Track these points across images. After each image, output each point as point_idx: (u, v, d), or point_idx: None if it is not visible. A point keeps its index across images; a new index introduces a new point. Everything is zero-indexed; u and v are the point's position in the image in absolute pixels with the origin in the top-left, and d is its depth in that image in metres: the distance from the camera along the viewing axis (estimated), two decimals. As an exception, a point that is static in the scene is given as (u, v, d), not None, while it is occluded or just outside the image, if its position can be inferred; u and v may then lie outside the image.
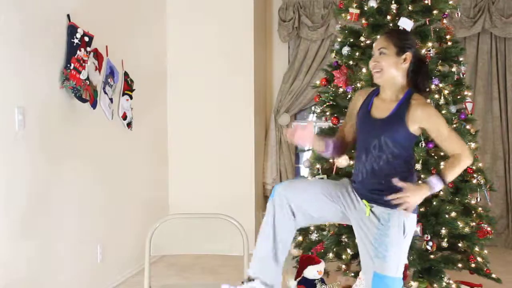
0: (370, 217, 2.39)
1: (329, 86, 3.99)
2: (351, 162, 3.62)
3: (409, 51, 2.43)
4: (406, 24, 3.65)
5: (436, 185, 2.32)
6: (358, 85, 3.75)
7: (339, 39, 4.03)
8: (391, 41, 2.42)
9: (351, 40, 3.94)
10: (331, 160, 3.80)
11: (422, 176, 3.63)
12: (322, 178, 3.85)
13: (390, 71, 2.41)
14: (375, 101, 2.49)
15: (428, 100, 3.00)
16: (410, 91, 2.43)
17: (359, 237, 2.47)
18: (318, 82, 4.11)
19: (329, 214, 2.50)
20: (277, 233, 2.43)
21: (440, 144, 2.44)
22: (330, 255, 3.79)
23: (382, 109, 2.44)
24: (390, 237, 2.34)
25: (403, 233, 2.36)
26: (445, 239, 3.60)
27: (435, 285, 3.55)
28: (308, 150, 4.23)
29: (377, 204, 2.39)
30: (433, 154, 3.71)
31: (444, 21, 3.90)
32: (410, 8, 3.71)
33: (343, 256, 3.72)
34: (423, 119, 2.37)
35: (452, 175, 2.37)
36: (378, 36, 2.49)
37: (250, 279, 2.44)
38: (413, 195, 2.28)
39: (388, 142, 2.36)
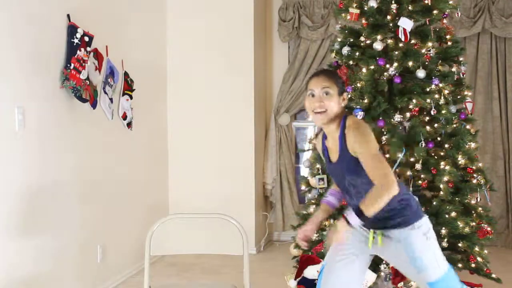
0: (389, 245, 2.42)
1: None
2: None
3: (346, 91, 2.47)
4: (406, 24, 3.65)
5: (352, 219, 2.28)
6: (358, 85, 3.75)
7: (339, 39, 4.04)
8: (333, 81, 2.41)
9: (351, 40, 3.94)
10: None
11: (422, 176, 3.64)
12: (322, 179, 3.86)
13: (334, 111, 2.39)
14: (327, 145, 2.51)
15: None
16: (344, 117, 2.42)
17: (395, 264, 2.55)
18: (318, 82, 4.10)
19: (361, 267, 2.55)
20: None
21: (367, 170, 2.30)
22: (330, 255, 3.78)
23: (334, 149, 2.45)
24: (418, 250, 2.37)
25: (426, 238, 2.40)
26: (445, 239, 3.60)
27: (435, 285, 3.55)
28: (308, 150, 4.23)
29: (390, 229, 2.41)
30: (433, 154, 3.72)
31: (444, 21, 3.90)
32: (410, 8, 3.71)
33: (343, 256, 3.71)
34: (350, 140, 2.33)
35: (369, 209, 2.24)
36: (312, 77, 2.46)
37: None
38: (334, 237, 2.31)
39: (353, 177, 2.38)
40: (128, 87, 4.64)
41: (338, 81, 2.44)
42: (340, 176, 2.45)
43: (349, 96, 3.82)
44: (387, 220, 2.39)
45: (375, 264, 3.50)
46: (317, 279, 3.59)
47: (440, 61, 3.80)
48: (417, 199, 2.53)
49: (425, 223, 2.43)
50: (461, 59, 3.91)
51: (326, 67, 4.14)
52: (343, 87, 2.44)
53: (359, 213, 2.29)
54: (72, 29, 3.70)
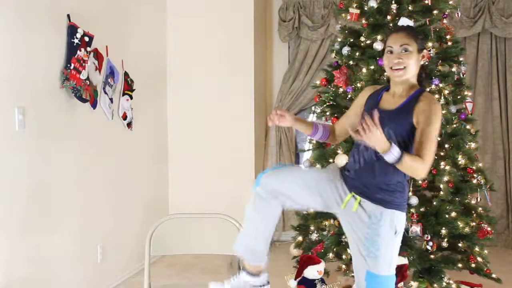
0: (360, 215, 2.37)
1: (329, 86, 3.99)
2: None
3: (425, 49, 2.42)
4: (406, 24, 3.65)
5: (393, 154, 2.19)
6: (358, 85, 3.75)
7: (339, 39, 4.03)
8: (413, 39, 2.39)
9: (351, 40, 3.94)
10: (331, 160, 3.80)
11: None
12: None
13: (413, 68, 2.38)
14: (384, 95, 2.48)
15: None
16: (420, 89, 2.42)
17: (349, 235, 2.46)
18: (318, 82, 4.11)
19: (314, 205, 2.48)
20: (263, 221, 2.41)
21: (416, 142, 2.29)
22: (330, 255, 3.79)
23: (391, 102, 2.42)
24: (381, 236, 2.33)
25: (394, 232, 2.35)
26: (445, 239, 3.60)
27: (435, 285, 3.55)
28: (308, 150, 4.23)
29: (369, 201, 2.36)
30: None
31: (444, 21, 3.90)
32: (410, 8, 3.71)
33: (343, 256, 3.72)
34: (425, 111, 2.31)
35: (406, 164, 2.20)
36: (391, 34, 2.43)
37: (233, 264, 2.45)
38: (375, 136, 2.16)
39: (391, 134, 2.33)
40: (128, 87, 4.64)
41: (418, 37, 2.40)
42: (380, 121, 2.33)
43: (349, 96, 3.82)
44: (376, 192, 2.34)
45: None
46: (317, 279, 3.61)
47: (440, 61, 3.80)
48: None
49: (403, 220, 2.39)
50: (461, 59, 3.90)
51: (326, 67, 4.14)
52: (422, 44, 2.41)
53: (364, 168, 2.33)
54: (72, 29, 3.70)
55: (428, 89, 2.52)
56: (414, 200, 3.54)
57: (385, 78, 3.71)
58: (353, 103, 2.64)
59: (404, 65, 2.36)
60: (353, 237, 2.42)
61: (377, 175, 2.35)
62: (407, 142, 2.35)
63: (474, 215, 3.75)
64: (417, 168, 2.23)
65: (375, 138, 2.15)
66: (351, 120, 2.58)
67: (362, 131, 2.14)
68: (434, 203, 3.61)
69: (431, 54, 3.75)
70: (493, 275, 3.71)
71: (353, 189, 2.40)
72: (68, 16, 3.71)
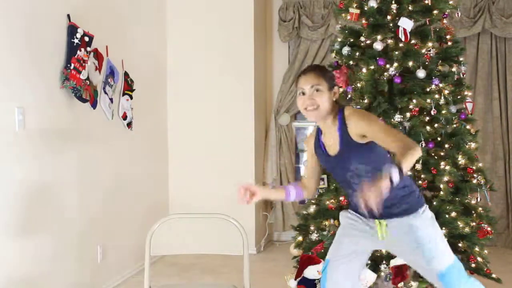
0: (397, 235, 2.42)
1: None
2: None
3: (336, 85, 2.47)
4: (406, 24, 3.65)
5: (396, 176, 2.16)
6: (358, 85, 3.75)
7: (339, 39, 4.03)
8: (322, 78, 2.42)
9: (351, 40, 3.94)
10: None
11: (422, 176, 3.64)
12: (322, 179, 3.85)
13: (327, 106, 2.41)
14: (324, 141, 2.52)
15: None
16: (341, 111, 2.44)
17: (403, 256, 2.56)
18: (318, 82, 4.10)
19: (365, 257, 2.59)
20: None
21: (384, 145, 2.29)
22: (330, 255, 3.78)
23: (332, 143, 2.46)
24: (425, 238, 2.38)
25: (432, 223, 2.42)
26: (445, 239, 3.59)
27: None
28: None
29: (394, 217, 2.41)
30: (433, 154, 3.71)
31: (444, 21, 3.89)
32: (410, 8, 3.71)
33: (343, 256, 3.71)
34: (356, 126, 2.35)
35: (407, 164, 2.15)
36: (300, 76, 2.48)
37: None
38: (373, 195, 2.11)
39: (359, 166, 2.38)
40: (128, 87, 4.64)
41: (327, 76, 2.45)
42: (342, 168, 2.44)
43: (349, 96, 3.82)
44: (393, 208, 2.38)
45: (375, 264, 3.50)
46: (317, 279, 3.61)
47: (440, 61, 3.80)
48: (416, 186, 2.54)
49: (428, 210, 2.46)
50: (461, 59, 3.90)
51: (326, 67, 4.13)
52: (332, 82, 2.46)
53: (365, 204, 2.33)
54: (72, 29, 3.70)
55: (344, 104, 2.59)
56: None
57: (385, 78, 3.71)
58: (307, 154, 2.73)
59: (317, 104, 2.40)
60: (411, 257, 2.49)
61: (381, 201, 2.37)
62: (376, 158, 2.37)
63: (474, 215, 3.75)
64: (413, 150, 2.16)
65: (375, 197, 2.09)
66: (315, 167, 2.68)
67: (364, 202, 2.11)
68: (434, 203, 3.61)
69: (431, 54, 3.75)
70: (493, 275, 3.71)
71: (375, 217, 2.44)
72: (68, 16, 3.71)
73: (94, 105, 4.00)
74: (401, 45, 3.72)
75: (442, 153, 3.68)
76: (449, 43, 3.86)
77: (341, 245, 2.55)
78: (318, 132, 2.56)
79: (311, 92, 2.40)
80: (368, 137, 2.33)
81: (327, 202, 3.75)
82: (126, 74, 4.61)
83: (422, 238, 2.38)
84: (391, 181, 2.07)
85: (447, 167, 3.62)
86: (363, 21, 3.85)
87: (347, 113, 2.40)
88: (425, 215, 2.43)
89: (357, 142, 2.35)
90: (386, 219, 2.41)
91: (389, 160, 2.41)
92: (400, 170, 2.10)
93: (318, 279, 3.62)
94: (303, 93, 2.43)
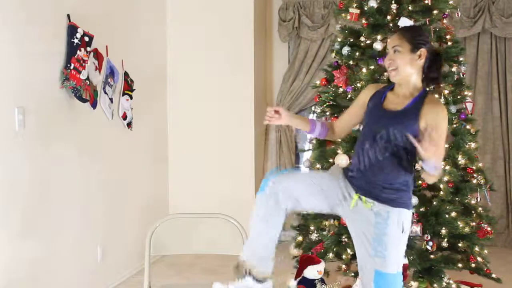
0: (366, 215, 2.38)
1: (329, 86, 3.99)
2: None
3: (423, 47, 2.41)
4: (406, 24, 3.65)
5: (432, 169, 2.26)
6: (358, 85, 3.75)
7: (339, 39, 4.03)
8: (405, 38, 2.40)
9: (351, 40, 3.94)
10: (331, 160, 3.80)
11: (422, 176, 3.63)
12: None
13: (406, 68, 2.39)
14: (388, 95, 2.48)
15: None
16: (425, 91, 2.43)
17: (356, 236, 2.47)
18: (318, 82, 4.11)
19: (320, 207, 2.50)
20: (269, 227, 2.44)
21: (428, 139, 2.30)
22: (330, 255, 3.79)
23: (396, 102, 2.43)
24: (388, 235, 2.34)
25: (401, 231, 2.37)
26: (445, 239, 3.60)
27: (435, 285, 3.55)
28: (308, 150, 4.23)
29: (375, 200, 2.37)
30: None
31: (444, 21, 3.89)
32: (410, 8, 3.71)
33: (343, 256, 3.72)
34: (432, 114, 2.33)
35: (430, 154, 2.21)
36: (391, 35, 2.48)
37: (240, 269, 2.47)
38: (432, 150, 2.19)
39: (397, 135, 2.34)
40: (128, 87, 4.64)
41: (413, 37, 2.40)
42: (383, 125, 2.38)
43: (349, 96, 3.82)
44: (382, 191, 2.36)
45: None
46: (317, 279, 3.60)
47: (440, 61, 3.80)
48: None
49: (409, 218, 2.41)
50: (461, 59, 3.90)
51: (326, 67, 4.14)
52: (418, 43, 2.39)
53: (370, 168, 2.36)
54: (72, 29, 3.70)
55: (431, 90, 2.51)
56: (414, 200, 3.53)
57: (385, 78, 3.71)
58: (355, 101, 2.65)
59: (395, 65, 2.39)
60: (360, 238, 2.43)
61: (382, 175, 2.37)
62: (410, 145, 2.35)
63: (474, 215, 3.75)
64: (437, 176, 2.31)
65: (433, 149, 2.16)
66: (352, 118, 2.62)
67: (426, 144, 2.15)
68: (434, 203, 3.61)
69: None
70: (493, 275, 3.71)
71: (359, 189, 2.41)
72: (68, 16, 3.71)
73: (94, 105, 4.00)
74: (401, 45, 3.72)
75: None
76: (449, 43, 3.86)
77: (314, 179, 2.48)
78: (387, 88, 2.52)
79: (392, 52, 2.41)
80: (427, 129, 2.29)
81: (327, 202, 3.74)
82: (126, 74, 4.61)
83: (385, 234, 2.33)
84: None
85: (447, 167, 3.62)
86: (363, 21, 3.86)
87: (430, 97, 2.39)
88: (401, 218, 2.37)
89: (418, 121, 2.33)
90: (370, 197, 2.38)
91: (410, 164, 2.42)
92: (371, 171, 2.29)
93: (318, 279, 3.62)
94: (388, 53, 2.44)
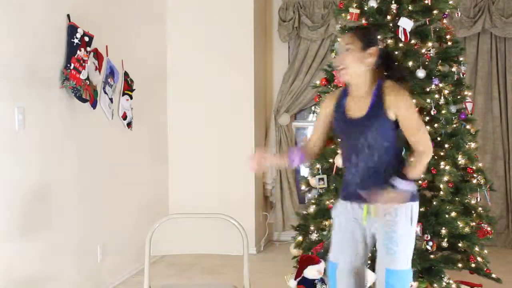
0: (375, 218, 2.41)
1: (329, 86, 3.99)
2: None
3: (374, 46, 2.41)
4: (406, 24, 3.65)
5: (406, 186, 2.33)
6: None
7: (339, 39, 4.03)
8: (356, 37, 2.41)
9: (351, 40, 3.94)
10: (331, 160, 3.80)
11: (422, 176, 3.63)
12: (322, 179, 3.85)
13: (356, 66, 2.38)
14: (347, 102, 2.47)
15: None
16: (380, 81, 2.41)
17: (369, 242, 2.56)
18: (318, 82, 4.11)
19: (362, 246, 2.57)
20: None
21: (408, 136, 2.38)
22: (330, 255, 3.78)
23: (358, 107, 2.42)
24: (398, 231, 2.37)
25: (410, 223, 2.40)
26: (445, 239, 3.60)
27: (435, 285, 3.55)
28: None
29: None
30: (433, 154, 3.71)
31: (444, 21, 3.89)
32: (410, 8, 3.71)
33: (343, 256, 3.71)
34: (396, 105, 2.35)
35: (414, 173, 2.36)
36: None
37: None
38: (390, 200, 2.32)
39: (377, 137, 2.35)
40: (128, 87, 4.64)
41: (364, 35, 2.41)
42: (359, 133, 2.40)
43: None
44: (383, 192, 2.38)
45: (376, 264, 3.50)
46: (317, 279, 3.60)
47: (440, 61, 3.80)
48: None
49: (416, 209, 2.44)
50: (461, 59, 3.90)
51: (326, 67, 4.13)
52: (368, 42, 2.40)
53: (365, 177, 2.39)
54: (72, 29, 3.70)
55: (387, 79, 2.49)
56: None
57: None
58: (318, 117, 2.67)
59: (344, 65, 2.39)
60: (372, 240, 2.51)
61: (381, 178, 2.39)
62: (394, 139, 2.39)
63: (474, 215, 3.75)
64: (425, 161, 2.35)
65: (391, 199, 2.30)
66: (323, 131, 2.63)
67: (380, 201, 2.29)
68: (434, 203, 3.61)
69: (431, 54, 3.75)
70: (493, 275, 3.71)
71: (363, 202, 2.43)
72: (68, 16, 3.71)
73: (94, 105, 4.00)
74: (401, 45, 3.73)
75: (442, 153, 3.68)
76: (449, 43, 3.86)
77: (344, 244, 2.53)
78: (343, 93, 2.51)
79: (343, 51, 2.41)
80: (400, 120, 2.33)
81: (327, 202, 3.75)
82: (126, 74, 4.61)
83: (397, 231, 2.37)
84: (398, 190, 2.27)
85: (447, 167, 3.62)
86: (363, 21, 3.85)
87: (387, 85, 2.38)
88: (409, 211, 2.40)
89: (387, 115, 2.34)
90: (374, 202, 2.39)
91: (401, 158, 2.42)
92: (405, 178, 2.28)
93: (318, 279, 3.62)
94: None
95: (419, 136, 2.35)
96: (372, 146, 2.37)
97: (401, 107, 2.33)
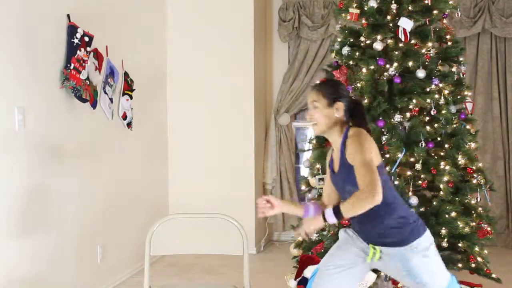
0: (389, 260, 2.43)
1: (329, 86, 3.98)
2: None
3: (340, 100, 2.45)
4: (406, 24, 3.65)
5: (329, 217, 2.33)
6: (358, 85, 3.75)
7: (339, 39, 4.03)
8: (321, 94, 2.46)
9: (351, 40, 3.94)
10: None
11: (422, 176, 3.64)
12: (322, 179, 3.85)
13: (325, 122, 2.45)
14: (333, 156, 2.56)
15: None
16: (347, 129, 2.45)
17: (396, 277, 2.60)
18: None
19: (359, 274, 2.56)
20: None
21: (357, 176, 2.32)
22: (330, 255, 3.78)
23: (336, 160, 2.49)
24: (416, 268, 2.38)
25: (423, 257, 2.39)
26: (445, 239, 3.60)
27: (435, 285, 3.54)
28: (308, 150, 4.23)
29: (387, 246, 2.42)
30: (433, 154, 3.72)
31: (444, 21, 3.90)
32: (410, 8, 3.71)
33: (343, 256, 3.71)
34: (349, 147, 2.37)
35: (347, 210, 2.30)
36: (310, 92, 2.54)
37: None
38: (307, 226, 2.42)
39: (350, 188, 2.38)
40: (128, 87, 4.64)
41: (327, 92, 2.47)
42: (341, 186, 2.49)
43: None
44: (385, 238, 2.41)
45: None
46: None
47: (440, 61, 3.80)
48: (416, 216, 2.50)
49: (424, 241, 2.41)
50: (461, 59, 3.90)
51: (326, 67, 4.14)
52: (334, 97, 2.46)
53: (362, 226, 2.45)
54: (72, 29, 3.70)
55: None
56: (414, 200, 3.54)
57: (385, 78, 3.71)
58: (327, 171, 2.71)
59: (314, 121, 2.47)
60: (402, 279, 2.52)
61: (376, 225, 2.42)
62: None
63: (474, 215, 3.75)
64: (361, 200, 2.26)
65: (310, 227, 2.42)
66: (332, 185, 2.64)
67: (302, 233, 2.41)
68: (434, 203, 3.61)
69: (431, 54, 3.75)
70: (493, 275, 3.71)
71: (368, 242, 2.48)
72: (68, 16, 3.71)
73: (94, 105, 4.00)
74: (401, 45, 3.73)
75: (442, 153, 3.68)
76: (449, 43, 3.86)
77: (336, 255, 2.55)
78: (331, 148, 2.60)
79: (311, 108, 2.48)
80: (352, 164, 2.34)
81: (327, 202, 3.74)
82: (126, 74, 4.61)
83: (413, 269, 2.39)
84: (325, 220, 2.34)
85: (447, 167, 3.62)
86: (363, 21, 3.85)
87: (350, 134, 2.41)
88: (418, 248, 2.39)
89: (349, 168, 2.36)
90: (380, 246, 2.44)
91: (388, 200, 2.40)
92: (338, 214, 2.30)
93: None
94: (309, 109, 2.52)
95: (361, 174, 2.28)
96: (352, 194, 2.38)
97: (349, 151, 2.36)
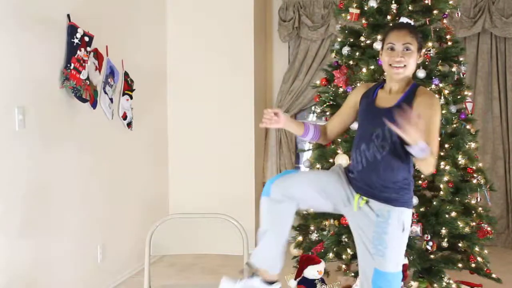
0: (368, 214, 2.38)
1: (329, 86, 3.99)
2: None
3: (423, 48, 2.46)
4: (406, 21, 3.65)
5: (424, 147, 2.16)
6: (358, 85, 3.75)
7: (339, 39, 4.03)
8: (415, 37, 2.41)
9: (351, 40, 3.94)
10: (331, 160, 3.80)
11: (422, 176, 3.63)
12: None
13: (413, 67, 2.41)
14: (379, 93, 2.48)
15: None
16: (415, 84, 2.44)
17: (357, 234, 2.48)
18: (318, 82, 4.11)
19: (323, 207, 2.50)
20: (277, 228, 2.41)
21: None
22: (330, 255, 3.78)
23: (387, 99, 2.42)
24: (389, 234, 2.34)
25: (402, 229, 2.37)
26: (445, 239, 3.60)
27: (435, 285, 3.55)
28: (308, 150, 4.23)
29: (376, 200, 2.38)
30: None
31: (444, 21, 3.89)
32: (410, 8, 3.71)
33: (343, 256, 3.72)
34: (424, 105, 2.31)
35: (429, 168, 2.24)
36: (392, 30, 2.44)
37: (250, 268, 2.47)
38: (414, 132, 2.10)
39: (393, 131, 2.33)
40: (128, 87, 4.64)
41: (419, 36, 2.42)
42: (376, 122, 2.36)
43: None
44: (382, 191, 2.36)
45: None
46: (317, 279, 3.61)
47: (440, 61, 3.80)
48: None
49: (409, 216, 2.40)
50: (461, 59, 3.90)
51: (326, 67, 4.14)
52: (422, 43, 2.43)
53: (367, 168, 2.35)
54: (72, 29, 3.70)
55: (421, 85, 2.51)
56: (414, 200, 3.53)
57: (385, 78, 3.71)
58: (345, 102, 2.64)
59: (405, 63, 2.38)
60: (361, 236, 2.44)
61: (382, 174, 2.36)
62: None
63: (474, 215, 3.75)
64: (431, 162, 2.22)
65: (415, 131, 2.08)
66: (344, 119, 2.61)
67: (402, 124, 2.08)
68: (434, 203, 3.61)
69: (431, 54, 3.75)
70: (493, 275, 3.71)
71: (359, 190, 2.41)
72: (68, 16, 3.71)
73: (94, 105, 4.00)
74: (401, 45, 3.72)
75: (442, 153, 3.68)
76: (449, 43, 3.86)
77: (323, 181, 2.45)
78: (377, 86, 2.52)
79: (402, 50, 2.38)
80: (422, 114, 2.24)
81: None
82: (126, 74, 4.61)
83: (386, 233, 2.33)
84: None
85: (447, 167, 3.62)
86: (363, 21, 3.85)
87: (421, 89, 2.38)
88: (402, 217, 2.36)
89: (416, 113, 2.26)
90: (370, 197, 2.37)
91: (409, 161, 2.38)
92: (425, 151, 2.11)
93: (318, 279, 3.62)
94: (392, 49, 2.40)
95: (431, 138, 2.22)
96: (385, 139, 2.34)
97: (428, 107, 2.30)
